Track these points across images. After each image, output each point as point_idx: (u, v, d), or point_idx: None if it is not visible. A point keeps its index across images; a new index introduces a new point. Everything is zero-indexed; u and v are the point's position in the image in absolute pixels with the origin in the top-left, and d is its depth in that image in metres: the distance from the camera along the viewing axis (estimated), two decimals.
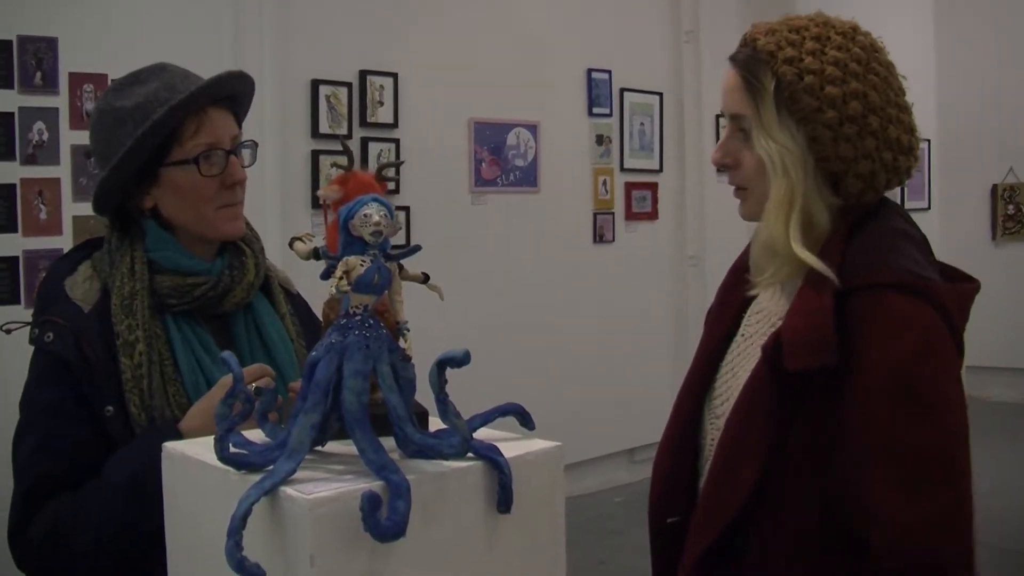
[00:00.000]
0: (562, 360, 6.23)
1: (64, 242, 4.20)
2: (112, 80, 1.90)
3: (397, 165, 1.38)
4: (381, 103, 5.38)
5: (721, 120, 1.79)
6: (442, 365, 1.16)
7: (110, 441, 1.76)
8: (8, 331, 1.91)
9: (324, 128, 5.16)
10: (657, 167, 6.90)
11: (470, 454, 1.21)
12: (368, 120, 5.34)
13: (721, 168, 1.78)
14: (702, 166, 7.01)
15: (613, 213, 6.63)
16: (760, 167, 1.67)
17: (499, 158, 5.99)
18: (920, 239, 1.70)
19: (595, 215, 6.54)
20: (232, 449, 1.18)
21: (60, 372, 1.77)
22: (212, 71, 1.88)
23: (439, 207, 5.61)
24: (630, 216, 6.74)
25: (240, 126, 1.94)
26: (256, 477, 1.14)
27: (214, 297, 1.88)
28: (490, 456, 1.20)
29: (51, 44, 4.21)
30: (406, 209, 5.39)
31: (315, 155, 5.13)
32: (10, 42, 4.11)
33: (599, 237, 6.56)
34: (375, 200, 1.19)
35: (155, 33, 4.38)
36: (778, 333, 1.62)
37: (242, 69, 1.92)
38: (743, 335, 1.82)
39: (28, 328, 1.85)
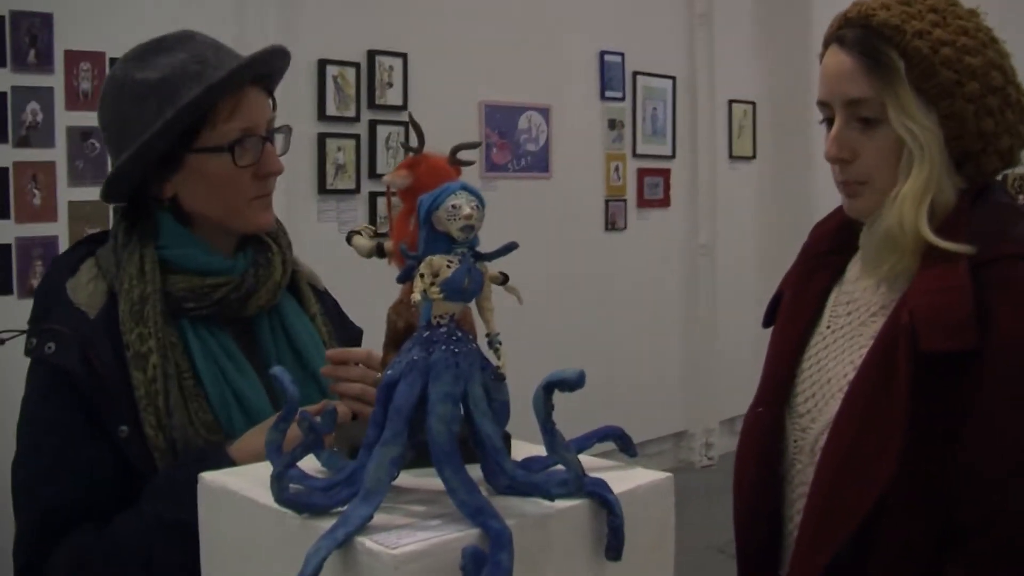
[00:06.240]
0: (570, 349, 6.01)
1: (59, 228, 4.09)
2: (128, 49, 1.65)
3: (474, 146, 1.17)
4: (390, 84, 5.17)
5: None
6: (550, 388, 0.95)
7: (128, 463, 1.53)
8: (1, 341, 1.66)
9: (331, 110, 4.96)
10: (670, 153, 6.71)
11: None
12: (376, 102, 5.13)
13: (835, 163, 1.59)
14: (715, 152, 6.87)
15: (625, 200, 6.44)
16: (885, 156, 1.52)
17: (510, 142, 5.78)
18: None
19: (607, 202, 6.36)
20: (291, 487, 0.98)
21: (65, 387, 1.53)
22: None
23: None
24: (642, 203, 6.55)
25: (275, 107, 1.73)
26: (321, 522, 0.94)
27: (236, 300, 1.65)
28: (600, 494, 1.00)
29: (46, 20, 4.06)
30: None
31: (322, 138, 4.94)
32: (2, 18, 3.94)
33: (611, 224, 6.38)
34: (464, 188, 0.98)
35: (156, 10, 4.20)
36: (908, 313, 1.45)
37: (256, 46, 1.69)
38: (829, 327, 1.66)
39: (24, 338, 1.59)
